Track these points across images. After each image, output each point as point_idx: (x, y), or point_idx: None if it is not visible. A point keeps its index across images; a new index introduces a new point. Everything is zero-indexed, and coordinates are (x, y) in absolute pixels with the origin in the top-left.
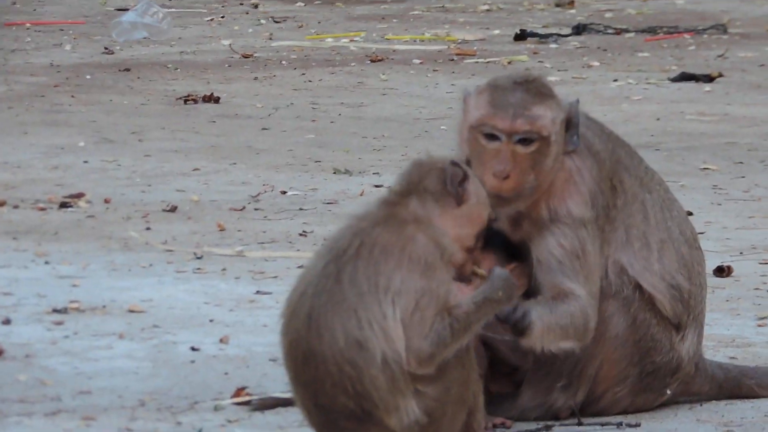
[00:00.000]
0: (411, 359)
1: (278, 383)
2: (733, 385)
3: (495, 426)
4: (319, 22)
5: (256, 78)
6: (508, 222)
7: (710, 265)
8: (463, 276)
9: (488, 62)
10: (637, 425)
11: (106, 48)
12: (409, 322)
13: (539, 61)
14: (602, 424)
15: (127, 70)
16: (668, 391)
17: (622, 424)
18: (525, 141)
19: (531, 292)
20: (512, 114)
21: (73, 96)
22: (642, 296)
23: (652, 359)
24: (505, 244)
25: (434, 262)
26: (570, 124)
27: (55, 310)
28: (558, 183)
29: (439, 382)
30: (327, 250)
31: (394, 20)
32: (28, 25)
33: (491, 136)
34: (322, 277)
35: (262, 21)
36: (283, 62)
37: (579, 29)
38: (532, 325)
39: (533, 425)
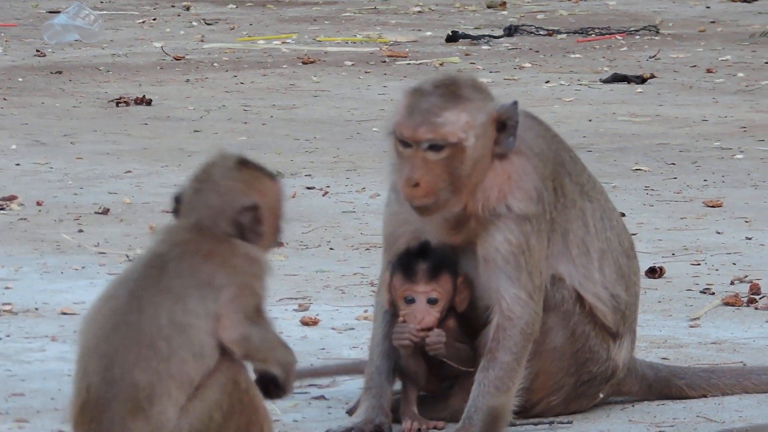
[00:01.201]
0: (231, 330)
1: None
2: (663, 385)
3: (428, 428)
4: (250, 24)
5: (187, 80)
6: (449, 227)
7: (642, 266)
8: None
9: (420, 64)
10: (569, 423)
11: (37, 50)
12: (231, 307)
13: (471, 63)
14: (535, 424)
15: (59, 72)
16: (601, 395)
17: (553, 423)
18: (434, 147)
19: (474, 299)
20: (418, 122)
21: (5, 99)
22: (582, 308)
23: (588, 369)
24: (442, 256)
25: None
26: (504, 126)
27: None
28: (498, 183)
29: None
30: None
31: (326, 22)
32: None
33: (404, 143)
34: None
35: (194, 23)
36: (215, 64)
37: (511, 30)
38: (498, 407)
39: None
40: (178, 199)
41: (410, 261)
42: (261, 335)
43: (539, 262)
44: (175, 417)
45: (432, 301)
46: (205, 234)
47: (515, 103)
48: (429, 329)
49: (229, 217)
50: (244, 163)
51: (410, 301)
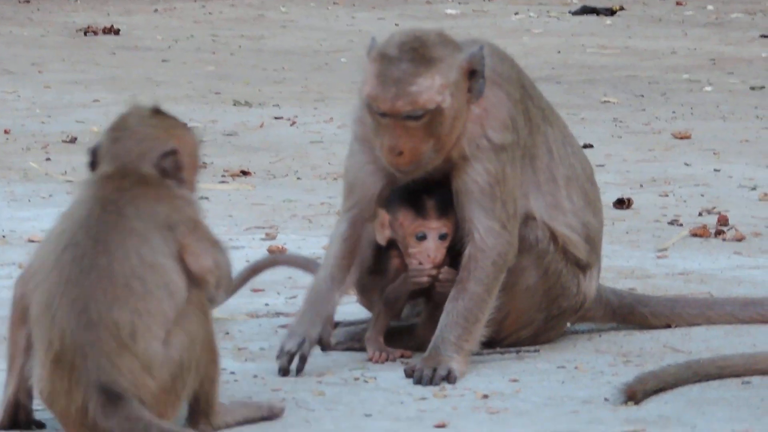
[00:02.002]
0: (202, 259)
1: None
2: (627, 312)
3: (395, 358)
4: None
5: (156, 10)
6: (427, 174)
7: (610, 198)
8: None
9: None
10: (536, 351)
11: None
12: (193, 237)
13: None
14: (501, 353)
15: (27, 1)
16: (568, 325)
17: (520, 351)
18: (413, 117)
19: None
20: (394, 94)
21: None
22: (556, 246)
23: (559, 304)
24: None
25: (182, 205)
26: (474, 74)
27: None
28: (475, 119)
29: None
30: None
31: None
32: None
33: (381, 114)
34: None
35: None
36: None
37: None
38: (454, 368)
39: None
40: (94, 152)
41: (419, 198)
42: (226, 261)
43: (513, 190)
44: (160, 351)
45: (443, 237)
46: (140, 179)
47: (482, 48)
48: (440, 266)
49: (151, 163)
50: (158, 112)
51: (422, 237)
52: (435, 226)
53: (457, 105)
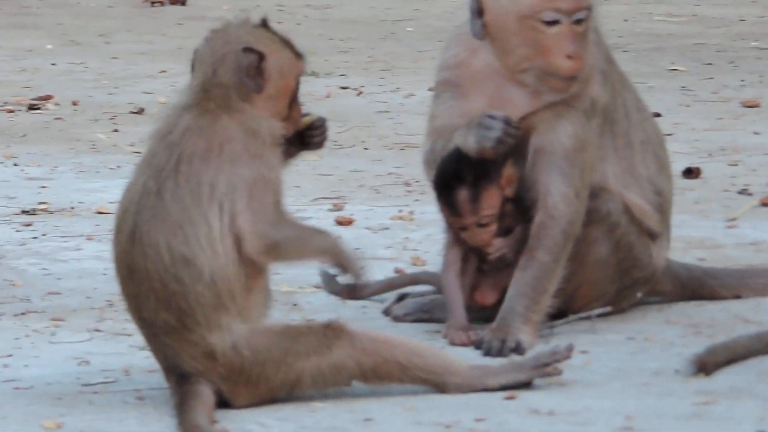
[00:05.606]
0: (255, 242)
1: None
2: (696, 285)
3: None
4: None
5: None
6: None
7: (679, 167)
8: (292, 127)
9: None
10: (608, 312)
11: None
12: (248, 211)
13: None
14: (569, 322)
15: None
16: (639, 295)
17: (591, 316)
18: (580, 20)
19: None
20: None
21: None
22: (628, 217)
23: (631, 275)
24: (477, 168)
25: (257, 151)
26: None
27: (24, 212)
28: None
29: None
30: (145, 165)
31: None
32: None
33: (551, 22)
34: (144, 195)
35: None
36: None
37: None
38: (523, 340)
39: None
40: (196, 52)
41: (449, 192)
42: (287, 235)
43: (593, 159)
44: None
45: (482, 225)
46: (207, 106)
47: None
48: (488, 245)
49: (231, 63)
50: (264, 25)
51: (463, 229)
52: (470, 221)
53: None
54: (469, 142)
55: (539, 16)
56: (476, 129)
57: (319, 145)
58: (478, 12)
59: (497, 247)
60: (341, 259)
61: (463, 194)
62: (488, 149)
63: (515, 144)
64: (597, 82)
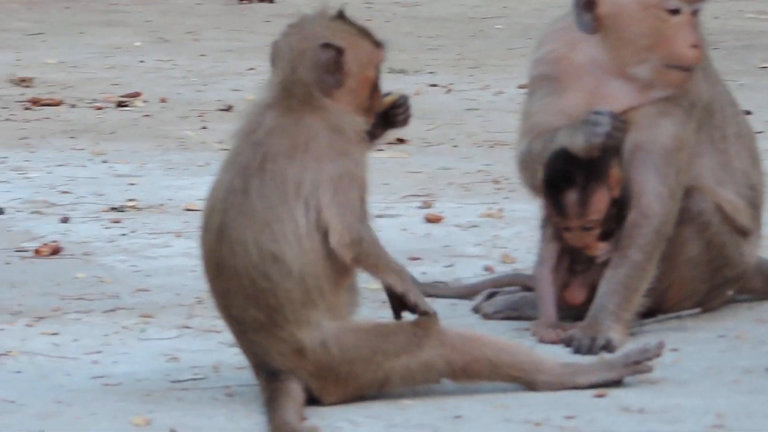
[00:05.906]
0: (343, 234)
1: None
2: None
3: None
4: None
5: None
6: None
7: None
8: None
9: None
10: (697, 313)
11: None
12: (335, 205)
13: None
14: (659, 321)
15: None
16: (730, 293)
17: (681, 316)
18: (697, 11)
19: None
20: None
21: None
22: (720, 216)
23: (722, 274)
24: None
25: (342, 147)
26: None
27: (113, 209)
28: None
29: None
30: (230, 163)
31: None
32: None
33: (674, 11)
34: (230, 193)
35: None
36: None
37: None
38: (614, 338)
39: None
40: (274, 46)
41: (558, 193)
42: (372, 235)
43: (690, 159)
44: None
45: (587, 228)
46: (290, 104)
47: None
48: (590, 247)
49: (309, 60)
50: (342, 16)
51: (567, 229)
52: (575, 224)
53: None
54: (576, 140)
55: (664, 4)
56: (583, 126)
57: (403, 122)
58: (588, 5)
59: (603, 251)
60: (406, 289)
61: (572, 197)
62: (597, 145)
63: (623, 139)
64: (700, 79)
